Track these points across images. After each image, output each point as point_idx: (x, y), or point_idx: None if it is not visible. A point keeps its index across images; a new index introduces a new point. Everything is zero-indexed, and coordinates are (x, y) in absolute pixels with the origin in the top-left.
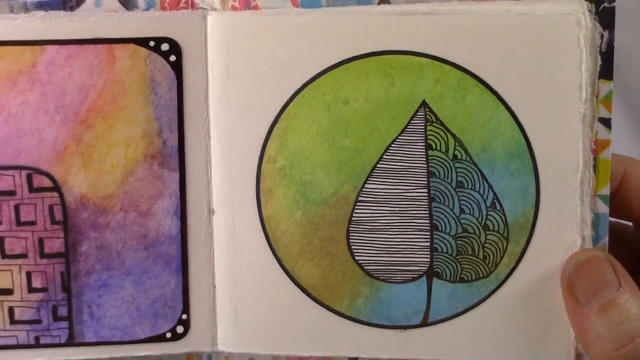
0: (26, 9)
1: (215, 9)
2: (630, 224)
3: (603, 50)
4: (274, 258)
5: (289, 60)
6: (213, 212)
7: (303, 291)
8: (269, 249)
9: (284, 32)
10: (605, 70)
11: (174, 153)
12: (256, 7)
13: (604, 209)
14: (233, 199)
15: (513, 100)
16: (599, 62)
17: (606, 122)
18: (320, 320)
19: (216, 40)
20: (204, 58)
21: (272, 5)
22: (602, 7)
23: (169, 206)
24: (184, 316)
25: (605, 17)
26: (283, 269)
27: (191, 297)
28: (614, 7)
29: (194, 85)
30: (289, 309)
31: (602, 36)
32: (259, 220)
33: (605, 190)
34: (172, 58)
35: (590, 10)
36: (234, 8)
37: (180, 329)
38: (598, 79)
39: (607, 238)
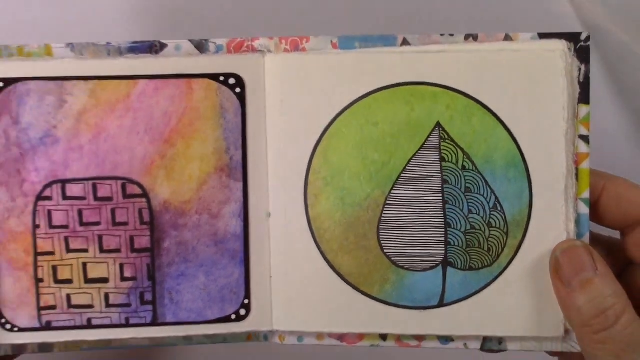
0: (120, 53)
1: (271, 52)
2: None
3: (581, 80)
4: (318, 251)
5: (330, 92)
6: (269, 215)
7: (342, 279)
8: (314, 244)
9: (326, 69)
10: (583, 96)
11: (239, 167)
12: (304, 50)
13: (584, 210)
14: (286, 203)
15: (509, 121)
16: (578, 90)
17: (585, 139)
18: (356, 303)
19: (272, 75)
20: (263, 90)
21: (317, 48)
22: (579, 45)
23: (235, 210)
24: (246, 301)
25: (582, 54)
26: (326, 261)
27: (252, 285)
28: (589, 45)
29: (255, 111)
30: (331, 294)
31: (580, 69)
32: (306, 220)
33: (586, 195)
34: (238, 90)
35: (570, 49)
36: (286, 51)
37: (242, 312)
38: (577, 104)
39: (588, 234)
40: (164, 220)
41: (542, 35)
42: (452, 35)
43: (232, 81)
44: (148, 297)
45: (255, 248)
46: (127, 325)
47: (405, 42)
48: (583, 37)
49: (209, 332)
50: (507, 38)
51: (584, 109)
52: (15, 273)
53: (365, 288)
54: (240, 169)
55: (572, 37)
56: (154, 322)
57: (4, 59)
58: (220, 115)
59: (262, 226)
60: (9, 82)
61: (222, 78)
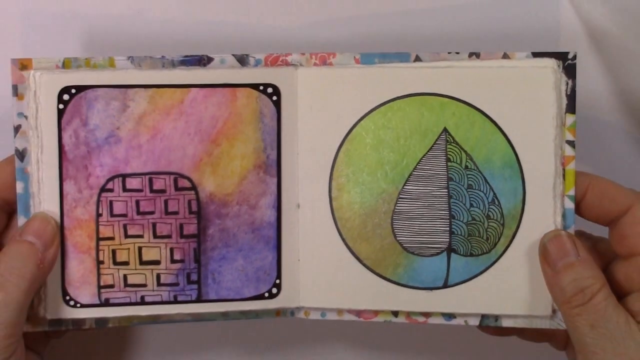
0: (173, 65)
1: (302, 65)
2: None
3: (568, 93)
4: (340, 238)
5: (352, 100)
6: (299, 206)
7: (360, 262)
8: (336, 231)
9: (349, 81)
10: (570, 107)
11: (274, 164)
12: (331, 64)
13: (570, 205)
14: (313, 196)
15: (506, 127)
16: (565, 102)
17: (571, 144)
18: (372, 283)
19: (303, 86)
20: (295, 98)
21: (342, 62)
22: (567, 63)
23: (270, 201)
24: (277, 281)
25: (569, 70)
26: (346, 246)
27: (282, 267)
28: (575, 63)
29: (288, 116)
30: (350, 275)
31: (567, 83)
32: (330, 211)
33: (571, 192)
34: (274, 98)
35: (559, 66)
36: (315, 65)
37: (274, 290)
38: (565, 113)
39: (573, 226)
40: (209, 210)
41: (536, 54)
42: (457, 53)
43: (269, 90)
44: (194, 277)
45: (286, 235)
46: (175, 302)
47: (417, 59)
48: (570, 55)
49: (245, 309)
50: (505, 56)
51: (570, 118)
52: (80, 256)
53: (380, 270)
54: (275, 166)
55: (561, 56)
56: (198, 299)
57: (74, 69)
58: (259, 119)
59: (293, 216)
60: (81, 89)
61: (261, 87)
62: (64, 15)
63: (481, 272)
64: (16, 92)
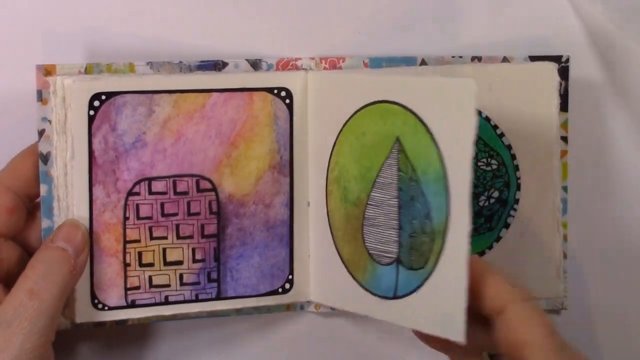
0: (190, 70)
1: (312, 69)
2: None
3: (561, 93)
4: (331, 239)
5: (344, 104)
6: (308, 204)
7: (343, 263)
8: (329, 232)
9: (346, 85)
10: (563, 105)
11: (287, 164)
12: (340, 68)
13: (564, 195)
14: (317, 196)
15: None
16: (559, 101)
17: (564, 139)
18: (349, 286)
19: (313, 89)
20: (306, 101)
21: (351, 66)
22: (560, 66)
23: (283, 200)
24: (290, 276)
25: (562, 72)
26: (335, 247)
27: (294, 263)
28: (568, 66)
29: (300, 119)
30: (336, 275)
31: (561, 84)
32: (326, 211)
33: (565, 183)
34: (287, 101)
35: (557, 69)
36: (325, 69)
37: (287, 286)
38: (559, 111)
39: (566, 214)
40: (228, 210)
41: (533, 58)
42: (461, 57)
43: (283, 94)
44: (214, 275)
45: (297, 232)
46: (196, 300)
47: (423, 62)
48: (564, 59)
49: (261, 304)
50: (505, 60)
51: (563, 116)
52: (108, 259)
53: (355, 273)
54: (287, 166)
55: (555, 59)
56: (218, 297)
57: (95, 74)
58: (274, 122)
59: (304, 213)
60: (110, 95)
61: (275, 91)
62: (68, 24)
63: (418, 287)
64: (40, 97)
